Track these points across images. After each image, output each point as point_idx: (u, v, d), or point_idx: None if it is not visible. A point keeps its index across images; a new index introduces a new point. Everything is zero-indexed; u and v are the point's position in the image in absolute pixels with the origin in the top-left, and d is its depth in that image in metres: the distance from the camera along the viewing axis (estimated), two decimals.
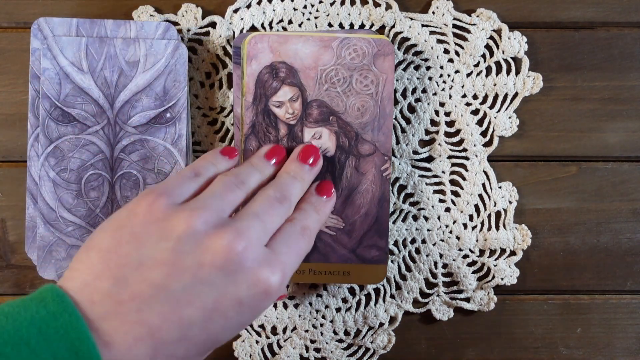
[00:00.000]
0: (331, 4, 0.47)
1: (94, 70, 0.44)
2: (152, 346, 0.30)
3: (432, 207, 0.48)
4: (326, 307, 0.48)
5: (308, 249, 0.37)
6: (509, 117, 0.47)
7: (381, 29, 0.47)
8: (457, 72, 0.47)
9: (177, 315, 0.30)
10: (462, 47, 0.47)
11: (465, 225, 0.48)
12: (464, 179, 0.48)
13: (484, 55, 0.47)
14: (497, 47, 0.47)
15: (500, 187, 0.48)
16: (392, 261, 0.48)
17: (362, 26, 0.47)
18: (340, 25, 0.47)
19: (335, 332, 0.48)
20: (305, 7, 0.47)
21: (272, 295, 0.33)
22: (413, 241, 0.48)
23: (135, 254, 0.31)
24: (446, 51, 0.47)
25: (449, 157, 0.48)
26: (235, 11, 0.47)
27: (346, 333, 0.48)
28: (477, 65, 0.47)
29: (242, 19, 0.47)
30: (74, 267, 0.32)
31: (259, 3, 0.47)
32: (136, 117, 0.44)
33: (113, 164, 0.44)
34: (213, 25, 0.47)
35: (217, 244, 0.32)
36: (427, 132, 0.48)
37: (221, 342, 0.33)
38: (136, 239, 0.32)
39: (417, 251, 0.48)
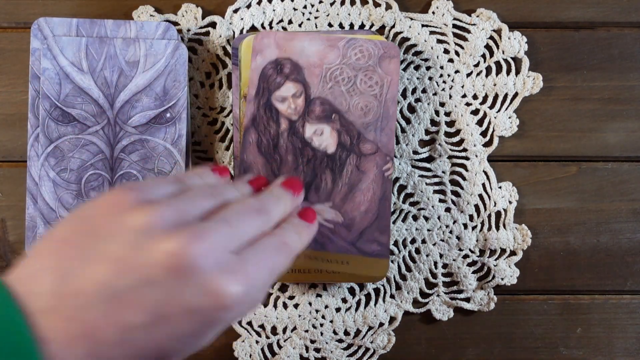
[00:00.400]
0: (331, 4, 0.47)
1: (94, 70, 0.44)
2: (89, 347, 0.28)
3: (432, 207, 0.48)
4: (326, 307, 0.48)
5: (284, 267, 0.33)
6: (509, 117, 0.47)
7: (381, 29, 0.47)
8: (457, 72, 0.47)
9: (118, 316, 0.28)
10: (462, 47, 0.47)
11: (465, 225, 0.48)
12: (464, 179, 0.48)
13: (484, 55, 0.47)
14: (497, 47, 0.47)
15: (500, 187, 0.48)
16: (392, 261, 0.48)
17: (362, 26, 0.47)
18: (340, 25, 0.47)
19: (335, 332, 0.48)
20: (305, 7, 0.47)
21: (227, 306, 0.29)
22: (413, 241, 0.48)
23: (88, 247, 0.29)
24: (446, 51, 0.47)
25: (449, 157, 0.48)
26: (235, 11, 0.47)
27: (346, 333, 0.48)
28: (477, 65, 0.47)
29: (242, 19, 0.47)
30: (28, 256, 0.30)
31: (259, 3, 0.47)
32: (136, 117, 0.44)
33: (113, 164, 0.44)
34: (213, 25, 0.47)
35: (172, 244, 0.29)
36: (427, 132, 0.48)
37: (168, 355, 0.29)
38: (93, 231, 0.29)
39: (417, 251, 0.48)
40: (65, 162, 0.44)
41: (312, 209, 0.39)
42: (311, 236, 0.37)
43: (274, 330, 0.48)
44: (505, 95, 0.47)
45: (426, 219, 0.48)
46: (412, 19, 0.47)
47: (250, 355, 0.48)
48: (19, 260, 0.30)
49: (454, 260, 0.48)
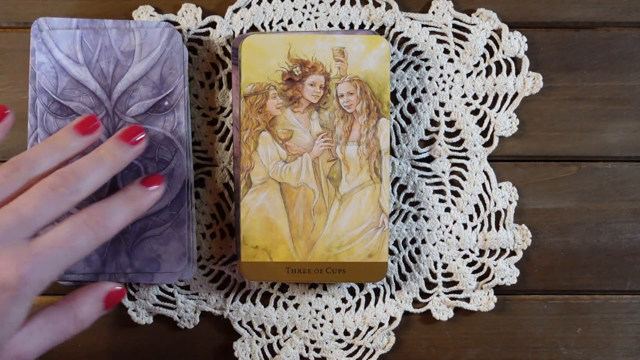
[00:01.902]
0: (331, 4, 0.47)
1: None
2: None
3: (432, 207, 0.48)
4: (326, 307, 0.48)
5: (94, 241, 0.36)
6: (509, 117, 0.47)
7: (381, 29, 0.47)
8: (457, 72, 0.47)
9: None
10: (462, 47, 0.47)
11: (465, 225, 0.48)
12: (464, 179, 0.48)
13: (484, 55, 0.47)
14: (497, 47, 0.47)
15: (500, 187, 0.48)
16: (392, 261, 0.48)
17: (362, 26, 0.47)
18: (340, 26, 0.47)
19: (335, 332, 0.48)
20: (305, 7, 0.47)
21: (14, 289, 0.32)
22: (413, 241, 0.48)
23: None
24: (446, 51, 0.47)
25: (449, 157, 0.48)
26: (235, 11, 0.47)
27: (346, 333, 0.48)
28: (477, 65, 0.47)
29: (242, 19, 0.47)
30: None
31: (259, 3, 0.47)
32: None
33: None
34: (213, 25, 0.47)
35: None
36: (427, 132, 0.48)
37: None
38: None
39: (417, 251, 0.48)
40: None
41: (158, 175, 0.41)
42: (153, 200, 0.40)
43: (274, 330, 0.48)
44: (505, 95, 0.47)
45: (426, 219, 0.48)
46: (412, 19, 0.47)
47: (250, 355, 0.48)
48: None
49: (453, 260, 0.48)
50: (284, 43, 0.43)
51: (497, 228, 0.48)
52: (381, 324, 0.48)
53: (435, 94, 0.47)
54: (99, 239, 0.36)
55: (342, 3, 0.47)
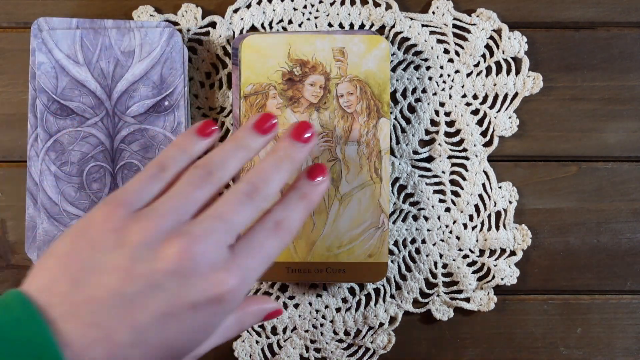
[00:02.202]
0: (331, 4, 0.47)
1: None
2: (107, 349, 0.30)
3: (432, 207, 0.48)
4: (326, 307, 0.48)
5: (281, 246, 0.35)
6: (509, 117, 0.47)
7: (381, 29, 0.47)
8: (457, 72, 0.47)
9: (131, 319, 0.30)
10: (462, 47, 0.47)
11: (465, 225, 0.48)
12: (464, 179, 0.48)
13: (484, 55, 0.47)
14: (497, 47, 0.47)
15: (500, 187, 0.48)
16: (392, 261, 0.48)
17: (362, 26, 0.47)
18: (340, 25, 0.47)
19: (335, 332, 0.48)
20: (305, 7, 0.47)
21: (226, 300, 0.32)
22: (413, 241, 0.48)
23: (91, 259, 0.32)
24: (446, 51, 0.47)
25: (449, 157, 0.48)
26: (235, 11, 0.47)
27: (346, 333, 0.48)
28: (477, 65, 0.47)
29: (242, 19, 0.47)
30: (34, 272, 0.32)
31: (259, 3, 0.47)
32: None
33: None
34: (213, 25, 0.47)
35: (170, 252, 0.31)
36: (427, 132, 0.48)
37: (181, 350, 0.32)
38: (93, 245, 0.32)
39: (417, 251, 0.48)
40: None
41: (321, 164, 0.38)
42: (322, 193, 0.37)
43: (274, 330, 0.48)
44: (505, 95, 0.47)
45: (426, 219, 0.48)
46: (412, 19, 0.47)
47: (250, 355, 0.48)
48: (28, 277, 0.32)
49: (453, 260, 0.48)
50: (284, 43, 0.43)
51: (497, 228, 0.48)
52: (381, 324, 0.48)
53: (435, 94, 0.47)
54: (286, 243, 0.35)
55: (342, 3, 0.47)
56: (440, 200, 0.48)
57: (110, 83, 0.44)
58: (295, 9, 0.47)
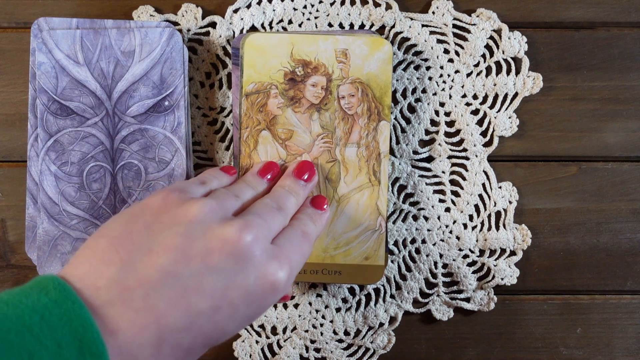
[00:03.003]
0: (331, 4, 0.47)
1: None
2: (158, 334, 0.29)
3: (432, 207, 0.48)
4: (326, 307, 0.48)
5: (309, 253, 0.37)
6: (509, 117, 0.47)
7: (381, 29, 0.47)
8: (457, 72, 0.47)
9: (185, 302, 0.30)
10: (462, 47, 0.47)
11: (465, 225, 0.48)
12: (464, 179, 0.48)
13: (484, 55, 0.47)
14: (497, 47, 0.47)
15: (500, 187, 0.48)
16: (392, 261, 0.48)
17: (362, 26, 0.47)
18: (340, 25, 0.47)
19: (335, 332, 0.48)
20: (305, 7, 0.47)
21: (279, 289, 0.32)
22: (413, 241, 0.48)
23: (145, 241, 0.31)
24: (446, 51, 0.47)
25: (449, 157, 0.48)
26: (235, 11, 0.47)
27: (346, 333, 0.48)
28: (477, 65, 0.47)
29: (242, 19, 0.47)
30: (80, 253, 0.31)
31: (259, 3, 0.47)
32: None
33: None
34: (213, 25, 0.47)
35: (227, 232, 0.32)
36: (427, 132, 0.48)
37: (228, 335, 0.32)
38: (148, 228, 0.31)
39: (417, 251, 0.48)
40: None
41: (322, 196, 0.42)
42: (325, 222, 0.41)
43: (274, 330, 0.48)
44: (505, 95, 0.47)
45: (426, 219, 0.48)
46: (412, 19, 0.47)
47: (250, 355, 0.48)
48: (72, 259, 0.31)
49: (453, 260, 0.48)
50: (286, 43, 0.43)
51: (497, 228, 0.48)
52: (381, 324, 0.48)
53: (435, 94, 0.47)
54: (311, 249, 0.37)
55: (342, 3, 0.47)
56: (440, 200, 0.48)
57: (110, 83, 0.44)
58: (295, 9, 0.47)
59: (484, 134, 0.47)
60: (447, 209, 0.48)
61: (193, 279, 0.30)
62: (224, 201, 0.35)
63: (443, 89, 0.47)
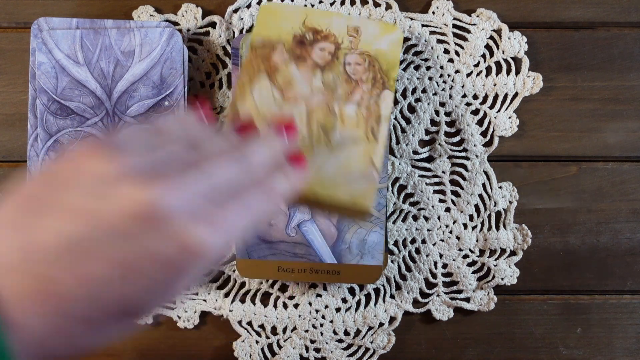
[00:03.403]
0: (331, 4, 0.47)
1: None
2: (54, 304, 0.26)
3: (432, 207, 0.48)
4: (326, 307, 0.48)
5: (271, 212, 0.32)
6: (509, 117, 0.47)
7: None
8: (457, 72, 0.47)
9: (83, 269, 0.26)
10: (462, 47, 0.47)
11: (465, 225, 0.48)
12: (464, 179, 0.48)
13: (484, 55, 0.47)
14: (497, 47, 0.47)
15: (500, 187, 0.48)
16: (392, 261, 0.48)
17: None
18: None
19: (335, 332, 0.48)
20: (305, 7, 0.47)
21: (204, 256, 0.28)
22: (413, 241, 0.48)
23: (51, 199, 0.27)
24: (446, 51, 0.47)
25: (449, 157, 0.48)
26: (235, 11, 0.47)
27: (346, 333, 0.48)
28: (477, 65, 0.47)
29: (242, 19, 0.47)
30: None
31: (259, 3, 0.47)
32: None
33: None
34: (213, 25, 0.47)
35: (139, 191, 0.27)
36: (427, 132, 0.48)
37: (147, 306, 0.28)
38: (59, 183, 0.28)
39: (417, 251, 0.48)
40: None
41: (302, 152, 0.36)
42: (301, 182, 0.35)
43: (274, 330, 0.48)
44: (505, 95, 0.47)
45: (426, 219, 0.48)
46: (412, 19, 0.47)
47: (250, 355, 0.48)
48: None
49: (453, 260, 0.48)
50: (301, 13, 0.42)
51: (497, 228, 0.48)
52: (381, 324, 0.48)
53: (435, 94, 0.47)
54: (276, 209, 0.33)
55: (342, 3, 0.47)
56: (441, 200, 0.48)
57: (110, 83, 0.44)
58: None
59: (484, 134, 0.47)
60: (447, 209, 0.48)
61: (93, 244, 0.26)
62: (162, 153, 0.30)
63: (443, 89, 0.47)
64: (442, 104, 0.47)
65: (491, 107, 0.47)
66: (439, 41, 0.47)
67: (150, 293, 0.28)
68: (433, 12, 0.47)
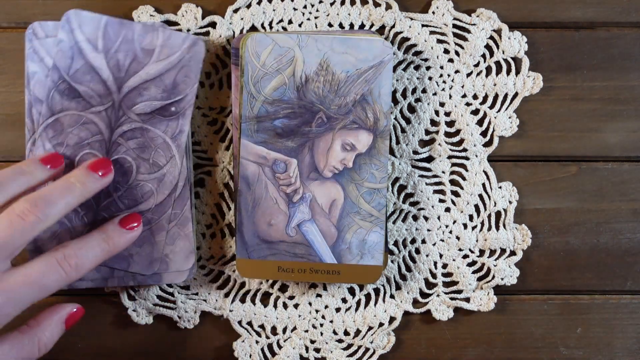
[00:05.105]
0: (331, 4, 0.47)
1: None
2: None
3: (432, 207, 0.48)
4: (326, 307, 0.48)
5: (62, 281, 0.37)
6: (509, 117, 0.47)
7: (381, 29, 0.47)
8: (457, 72, 0.47)
9: None
10: (462, 47, 0.47)
11: (465, 225, 0.48)
12: (464, 179, 0.48)
13: (484, 55, 0.47)
14: (497, 47, 0.47)
15: (500, 187, 0.48)
16: (392, 261, 0.48)
17: (362, 26, 0.47)
18: (340, 25, 0.47)
19: (335, 332, 0.48)
20: (305, 7, 0.47)
21: None
22: (413, 241, 0.48)
23: None
24: (446, 51, 0.47)
25: (449, 157, 0.48)
26: (235, 11, 0.47)
27: (346, 333, 0.48)
28: (477, 65, 0.47)
29: (242, 19, 0.47)
30: None
31: (259, 3, 0.47)
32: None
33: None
34: (213, 25, 0.47)
35: None
36: (427, 132, 0.48)
37: None
38: None
39: (417, 251, 0.48)
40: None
41: (107, 159, 0.42)
42: (99, 185, 0.41)
43: (274, 330, 0.48)
44: (505, 95, 0.47)
45: (426, 219, 0.48)
46: (412, 19, 0.47)
47: (250, 355, 0.48)
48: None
49: (453, 260, 0.48)
50: None
51: (497, 228, 0.48)
52: (381, 324, 0.48)
53: (435, 94, 0.47)
54: (69, 279, 0.37)
55: (342, 3, 0.47)
56: (440, 200, 0.48)
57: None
58: (295, 9, 0.47)
59: (484, 134, 0.47)
60: (447, 209, 0.48)
61: None
62: None
63: (443, 89, 0.47)
64: (442, 104, 0.47)
65: (491, 107, 0.48)
66: (439, 41, 0.47)
67: None
68: (433, 12, 0.47)
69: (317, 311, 0.48)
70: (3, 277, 0.34)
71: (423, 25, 0.47)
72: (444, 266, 0.48)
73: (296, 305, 0.48)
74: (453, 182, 0.48)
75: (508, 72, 0.47)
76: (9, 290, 0.34)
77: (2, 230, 0.35)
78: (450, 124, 0.48)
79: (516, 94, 0.47)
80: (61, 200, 0.37)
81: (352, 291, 0.48)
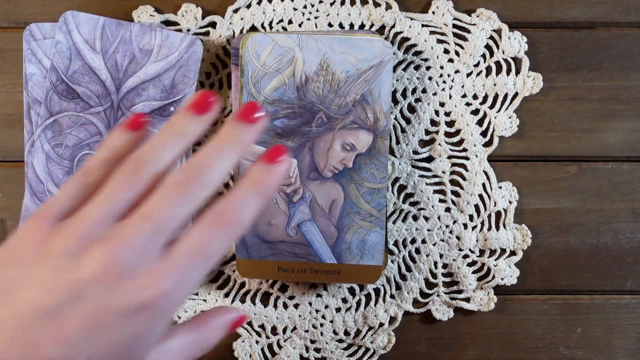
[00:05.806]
0: (331, 4, 0.47)
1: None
2: None
3: (432, 207, 0.48)
4: (326, 307, 0.48)
5: (228, 241, 0.32)
6: (509, 117, 0.47)
7: (381, 29, 0.47)
8: (457, 72, 0.47)
9: (58, 331, 0.29)
10: (462, 47, 0.47)
11: (465, 225, 0.48)
12: (464, 179, 0.48)
13: (484, 55, 0.47)
14: (497, 47, 0.47)
15: (500, 187, 0.48)
16: (392, 261, 0.48)
17: (362, 26, 0.47)
18: (340, 25, 0.47)
19: (335, 332, 0.48)
20: (305, 7, 0.47)
21: (157, 305, 0.30)
22: (413, 241, 0.48)
23: (14, 275, 0.30)
24: (446, 51, 0.47)
25: (449, 157, 0.48)
26: (235, 11, 0.47)
27: (346, 333, 0.48)
28: (477, 65, 0.47)
29: (242, 19, 0.47)
30: None
31: (259, 3, 0.47)
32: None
33: None
34: (213, 25, 0.47)
35: (92, 260, 0.30)
36: (427, 132, 0.48)
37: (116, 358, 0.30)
38: (16, 261, 0.31)
39: (417, 251, 0.48)
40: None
41: (281, 145, 0.34)
42: (281, 176, 0.33)
43: (274, 330, 0.48)
44: (505, 95, 0.47)
45: (426, 219, 0.48)
46: (412, 19, 0.47)
47: (250, 355, 0.48)
48: None
49: (454, 260, 0.48)
50: None
51: (497, 228, 0.48)
52: (381, 324, 0.48)
53: (435, 94, 0.47)
54: (235, 236, 0.32)
55: (342, 3, 0.47)
56: (440, 200, 0.48)
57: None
58: (295, 9, 0.47)
59: (484, 134, 0.47)
60: (447, 209, 0.48)
61: (62, 308, 0.29)
62: (105, 206, 0.31)
63: (443, 89, 0.47)
64: (442, 104, 0.47)
65: (491, 107, 0.48)
66: (439, 41, 0.47)
67: (119, 347, 0.30)
68: (433, 12, 0.47)
69: (317, 311, 0.48)
70: (168, 255, 0.30)
71: (423, 25, 0.47)
72: (444, 266, 0.48)
73: (296, 305, 0.48)
74: (453, 182, 0.48)
75: (508, 72, 0.47)
76: (175, 267, 0.30)
77: (164, 204, 0.31)
78: (450, 124, 0.48)
79: (516, 94, 0.47)
80: (217, 163, 0.32)
81: (352, 291, 0.48)
